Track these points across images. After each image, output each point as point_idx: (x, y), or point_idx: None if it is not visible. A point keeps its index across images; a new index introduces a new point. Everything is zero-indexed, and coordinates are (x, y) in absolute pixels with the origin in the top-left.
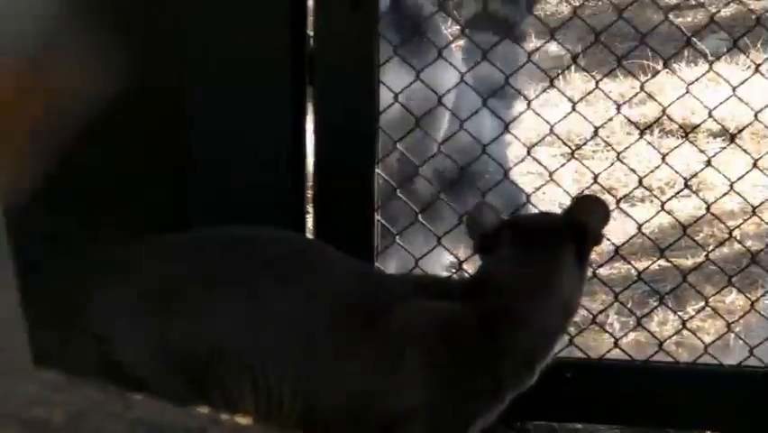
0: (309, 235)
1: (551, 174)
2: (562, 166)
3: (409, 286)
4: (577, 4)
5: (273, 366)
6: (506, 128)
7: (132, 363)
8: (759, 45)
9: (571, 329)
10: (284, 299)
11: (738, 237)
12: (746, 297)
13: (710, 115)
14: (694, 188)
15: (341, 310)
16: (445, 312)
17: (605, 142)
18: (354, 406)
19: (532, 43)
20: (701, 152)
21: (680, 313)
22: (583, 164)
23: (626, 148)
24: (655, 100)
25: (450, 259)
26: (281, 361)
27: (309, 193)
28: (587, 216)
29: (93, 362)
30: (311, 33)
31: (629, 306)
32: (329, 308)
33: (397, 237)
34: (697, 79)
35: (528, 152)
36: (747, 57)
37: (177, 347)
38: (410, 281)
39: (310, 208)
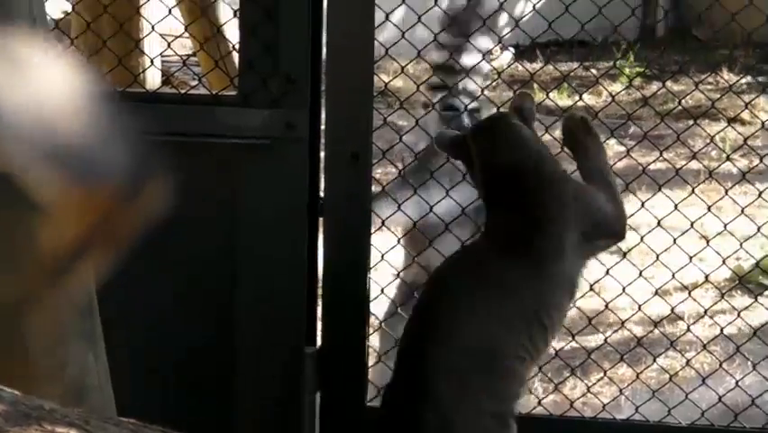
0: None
1: None
2: None
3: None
4: None
5: None
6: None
7: None
8: (644, 188)
9: None
10: None
11: (628, 327)
12: (633, 370)
13: None
14: (597, 291)
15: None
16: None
17: None
18: None
19: None
20: (602, 264)
21: (585, 381)
22: None
23: None
24: None
25: None
26: None
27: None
28: None
29: None
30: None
31: (549, 375)
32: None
33: None
34: None
35: None
36: (636, 196)
37: None
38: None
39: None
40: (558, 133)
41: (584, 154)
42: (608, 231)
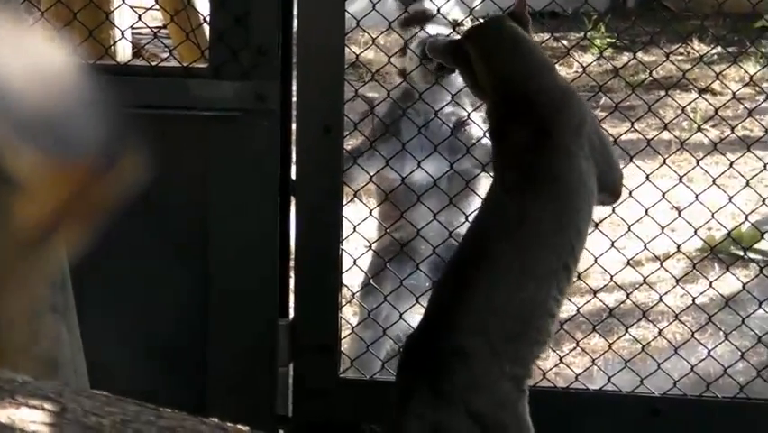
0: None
1: None
2: None
3: None
4: None
5: None
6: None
7: None
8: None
9: None
10: None
11: (600, 297)
12: (605, 340)
13: None
14: None
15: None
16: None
17: None
18: None
19: None
20: None
21: (557, 351)
22: None
23: None
24: None
25: None
26: None
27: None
28: None
29: None
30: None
31: None
32: None
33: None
34: None
35: (450, 234)
36: None
37: None
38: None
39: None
40: None
41: None
42: (611, 179)
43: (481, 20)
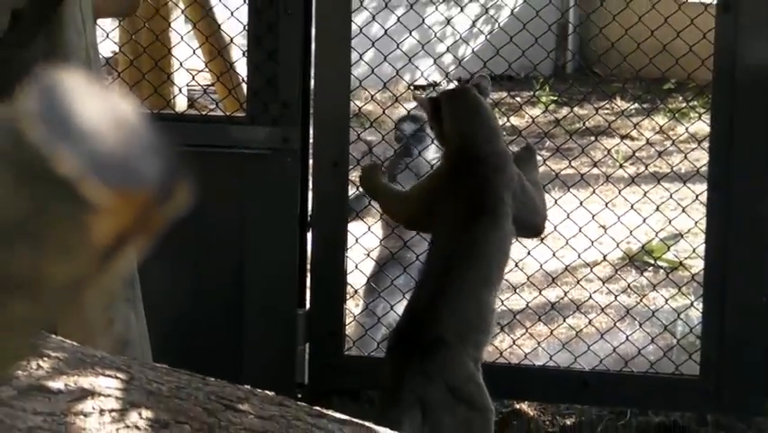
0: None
1: None
2: None
3: None
4: None
5: None
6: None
7: None
8: (556, 189)
9: None
10: None
11: (544, 294)
12: (548, 327)
13: None
14: (521, 267)
15: None
16: None
17: None
18: None
19: None
20: (524, 246)
21: (511, 336)
22: None
23: None
24: None
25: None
26: None
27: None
28: None
29: None
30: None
31: None
32: None
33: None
34: None
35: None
36: (550, 195)
37: None
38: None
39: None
40: None
41: (524, 170)
42: (532, 221)
43: (454, 82)
